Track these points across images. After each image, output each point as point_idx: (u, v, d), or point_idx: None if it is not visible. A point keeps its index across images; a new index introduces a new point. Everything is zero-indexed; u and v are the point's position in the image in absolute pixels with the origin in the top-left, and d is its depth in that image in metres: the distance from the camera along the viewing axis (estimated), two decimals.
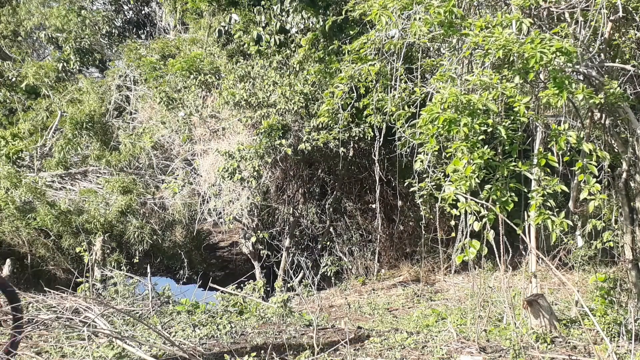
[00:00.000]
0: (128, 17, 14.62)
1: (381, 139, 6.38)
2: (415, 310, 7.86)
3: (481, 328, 5.12)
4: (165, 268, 11.48)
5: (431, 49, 5.85)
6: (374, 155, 6.79)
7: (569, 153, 4.34)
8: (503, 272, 5.04)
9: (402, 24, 5.01)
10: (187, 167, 10.22)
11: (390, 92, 5.59)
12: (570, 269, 8.11)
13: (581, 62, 4.62)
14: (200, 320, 5.48)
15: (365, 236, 10.66)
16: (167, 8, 11.83)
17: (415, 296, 8.92)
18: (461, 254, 4.30)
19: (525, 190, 4.32)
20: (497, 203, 4.12)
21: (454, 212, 4.24)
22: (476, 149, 4.08)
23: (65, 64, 12.95)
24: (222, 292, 6.94)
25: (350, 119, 7.88)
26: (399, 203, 9.59)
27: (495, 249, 4.36)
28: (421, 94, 5.18)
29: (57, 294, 5.45)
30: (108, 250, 9.61)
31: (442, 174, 5.14)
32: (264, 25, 9.26)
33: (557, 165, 4.28)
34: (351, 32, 8.26)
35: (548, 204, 4.19)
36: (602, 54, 4.99)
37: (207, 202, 9.61)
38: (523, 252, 6.37)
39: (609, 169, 5.22)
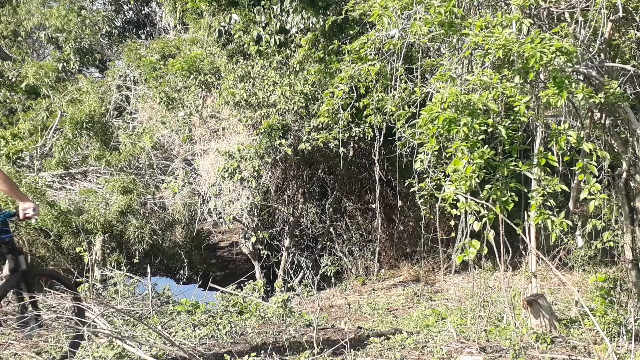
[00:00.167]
0: (128, 17, 14.62)
1: (381, 139, 6.38)
2: (415, 310, 7.86)
3: (481, 328, 5.12)
4: (165, 268, 11.47)
5: (431, 49, 5.85)
6: (374, 155, 6.78)
7: (569, 153, 4.34)
8: (503, 272, 5.04)
9: (402, 24, 5.01)
10: (187, 167, 10.22)
11: (390, 92, 5.59)
12: (570, 269, 8.11)
13: (581, 62, 4.61)
14: (200, 320, 5.48)
15: (365, 236, 10.66)
16: (167, 8, 11.83)
17: (415, 296, 8.92)
18: (461, 254, 4.29)
19: (525, 190, 4.32)
20: (497, 203, 4.12)
21: (454, 212, 4.23)
22: (476, 148, 4.08)
23: (65, 64, 12.95)
24: (222, 292, 6.94)
25: (350, 119, 7.88)
26: (399, 203, 9.59)
27: (495, 249, 4.36)
28: (421, 94, 5.18)
29: (57, 294, 5.44)
30: (108, 250, 9.61)
31: (442, 173, 5.14)
32: (264, 25, 9.26)
33: (557, 165, 4.28)
34: (351, 32, 8.26)
35: (548, 203, 4.19)
36: (602, 54, 4.99)
37: (207, 202, 9.61)
38: (523, 252, 6.36)
39: (609, 169, 5.22)
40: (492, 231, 4.22)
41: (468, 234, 4.39)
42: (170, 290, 6.94)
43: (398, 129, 5.61)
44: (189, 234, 11.19)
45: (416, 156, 5.08)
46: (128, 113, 11.72)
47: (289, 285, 8.80)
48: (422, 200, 5.46)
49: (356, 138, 8.60)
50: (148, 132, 10.74)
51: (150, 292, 6.41)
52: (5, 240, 3.90)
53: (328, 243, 10.49)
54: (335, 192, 10.44)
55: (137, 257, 9.54)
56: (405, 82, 5.76)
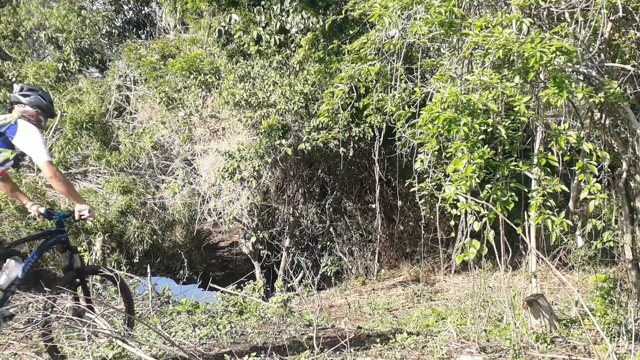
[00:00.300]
0: (128, 17, 14.62)
1: (381, 139, 6.38)
2: (415, 310, 7.86)
3: (481, 328, 5.12)
4: (165, 268, 11.47)
5: (431, 49, 5.85)
6: (374, 155, 6.78)
7: (569, 153, 4.34)
8: (503, 272, 5.04)
9: (402, 23, 5.01)
10: (187, 167, 10.22)
11: (390, 92, 5.59)
12: (570, 269, 8.11)
13: (581, 61, 4.61)
14: (200, 320, 5.48)
15: (365, 236, 10.66)
16: (167, 8, 11.84)
17: (415, 296, 8.92)
18: (461, 254, 4.29)
19: (526, 190, 4.32)
20: (497, 203, 4.12)
21: (454, 212, 4.23)
22: (476, 148, 4.08)
23: (65, 64, 12.95)
24: (222, 292, 6.94)
25: (350, 119, 7.88)
26: (399, 203, 9.59)
27: (495, 249, 4.36)
28: (421, 94, 5.18)
29: (58, 294, 5.44)
30: (108, 250, 9.61)
31: (442, 174, 5.13)
32: (264, 25, 9.26)
33: (557, 165, 4.28)
34: (351, 32, 8.26)
35: (548, 203, 4.19)
36: (602, 54, 4.99)
37: (207, 202, 9.61)
38: (523, 252, 6.36)
39: (609, 169, 5.22)
40: (492, 231, 4.22)
41: (468, 234, 4.39)
42: (170, 290, 6.94)
43: (398, 129, 5.61)
44: (189, 234, 11.19)
45: (416, 156, 5.08)
46: (128, 113, 11.73)
47: (289, 285, 8.81)
48: (422, 200, 5.46)
49: (356, 138, 8.60)
50: (148, 132, 10.74)
51: (150, 292, 6.40)
52: (61, 239, 4.09)
53: (328, 243, 10.49)
54: (335, 192, 10.44)
55: (137, 257, 9.54)
56: (405, 82, 5.76)
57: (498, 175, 4.21)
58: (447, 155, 4.62)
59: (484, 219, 4.19)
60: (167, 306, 6.29)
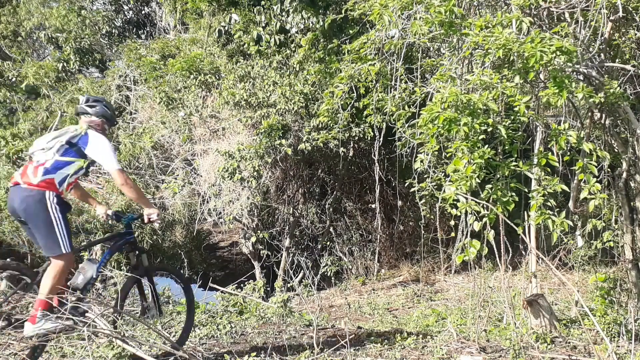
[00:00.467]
0: (128, 17, 14.62)
1: (381, 139, 6.38)
2: (415, 310, 7.86)
3: (481, 328, 5.12)
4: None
5: (431, 49, 5.85)
6: (374, 155, 6.78)
7: (569, 153, 4.34)
8: (503, 272, 5.04)
9: (402, 23, 5.01)
10: (187, 167, 10.22)
11: (390, 92, 5.59)
12: (570, 269, 8.11)
13: (581, 61, 4.61)
14: (200, 320, 5.48)
15: (365, 236, 10.66)
16: (167, 8, 11.84)
17: (415, 296, 8.91)
18: (461, 254, 4.29)
19: (526, 190, 4.32)
20: (497, 203, 4.12)
21: (454, 212, 4.23)
22: (476, 148, 4.07)
23: (65, 64, 12.95)
24: (222, 292, 6.94)
25: (350, 119, 7.88)
26: (399, 203, 9.59)
27: (495, 249, 4.36)
28: (421, 94, 5.17)
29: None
30: None
31: (442, 173, 5.13)
32: (264, 25, 9.26)
33: (557, 165, 4.28)
34: (351, 32, 8.25)
35: (548, 203, 4.19)
36: (602, 54, 4.99)
37: (207, 202, 9.61)
38: (523, 252, 6.36)
39: (609, 169, 5.22)
40: (492, 231, 4.22)
41: (468, 234, 4.38)
42: (170, 290, 6.94)
43: (398, 129, 5.61)
44: (189, 234, 11.19)
45: (416, 156, 5.08)
46: (128, 113, 11.72)
47: (289, 285, 8.80)
48: (422, 200, 5.46)
49: (356, 138, 8.60)
50: (148, 132, 10.73)
51: (151, 292, 6.39)
52: (129, 240, 4.30)
53: (328, 243, 10.49)
54: (335, 192, 10.44)
55: None
56: (405, 82, 5.76)
57: (498, 175, 4.21)
58: (447, 155, 4.62)
59: (484, 219, 4.19)
60: (167, 306, 6.29)
